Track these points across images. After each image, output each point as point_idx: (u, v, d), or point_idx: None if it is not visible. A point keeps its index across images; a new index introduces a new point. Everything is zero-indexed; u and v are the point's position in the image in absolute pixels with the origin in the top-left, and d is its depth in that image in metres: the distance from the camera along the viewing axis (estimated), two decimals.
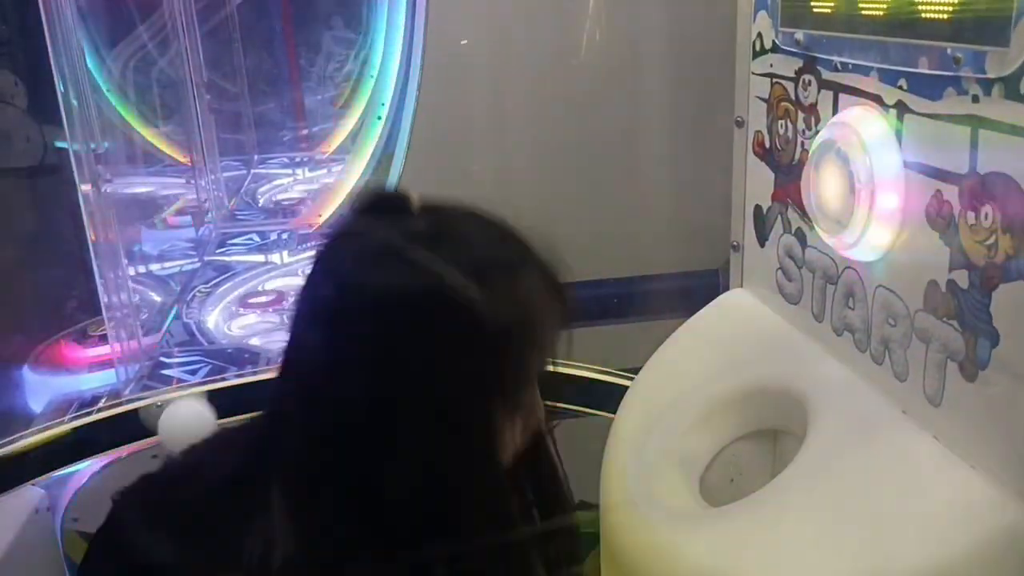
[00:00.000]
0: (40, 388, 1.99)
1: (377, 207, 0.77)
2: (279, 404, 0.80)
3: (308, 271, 0.77)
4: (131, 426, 1.70)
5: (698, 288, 1.63)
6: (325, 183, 3.19)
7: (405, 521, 0.73)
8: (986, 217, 0.88)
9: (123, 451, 1.70)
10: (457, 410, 0.74)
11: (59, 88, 1.90)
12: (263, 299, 2.28)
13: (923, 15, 0.93)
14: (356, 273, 0.73)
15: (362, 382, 0.72)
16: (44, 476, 1.68)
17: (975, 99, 0.87)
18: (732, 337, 1.35)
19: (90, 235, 1.96)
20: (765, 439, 1.25)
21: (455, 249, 0.73)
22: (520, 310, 0.76)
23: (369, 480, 0.72)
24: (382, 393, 0.71)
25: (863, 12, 1.03)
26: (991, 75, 0.85)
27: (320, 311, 0.76)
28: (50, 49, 1.90)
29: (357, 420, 0.72)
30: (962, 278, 0.92)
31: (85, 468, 1.74)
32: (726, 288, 1.49)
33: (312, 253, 0.78)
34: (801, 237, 1.24)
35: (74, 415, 1.73)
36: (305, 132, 3.75)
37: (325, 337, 0.74)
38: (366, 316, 0.72)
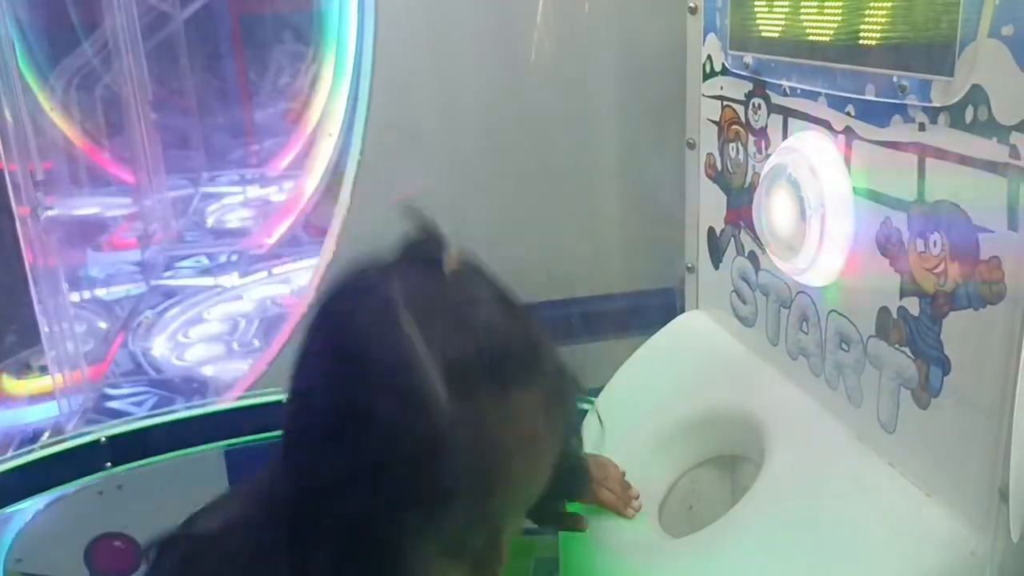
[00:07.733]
0: None
1: (411, 251, 0.68)
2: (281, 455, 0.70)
3: (314, 306, 0.68)
4: (77, 461, 1.65)
5: (654, 307, 1.63)
6: (275, 201, 3.14)
7: None
8: (935, 245, 0.88)
9: (69, 488, 1.65)
10: (373, 532, 0.61)
11: None
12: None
13: (869, 42, 0.92)
14: (344, 327, 0.64)
15: (318, 448, 0.63)
16: None
17: (921, 127, 0.87)
18: (689, 361, 1.34)
19: (27, 259, 1.90)
20: (723, 465, 1.24)
21: (453, 339, 0.61)
22: (497, 439, 0.61)
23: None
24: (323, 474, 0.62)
25: (810, 37, 1.03)
26: (936, 104, 0.85)
27: (307, 354, 0.67)
28: None
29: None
30: (913, 305, 0.92)
31: (28, 506, 1.67)
32: (683, 307, 1.48)
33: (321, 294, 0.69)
34: (754, 260, 1.24)
35: (15, 452, 1.67)
36: (256, 148, 3.69)
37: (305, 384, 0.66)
38: (335, 374, 0.63)
